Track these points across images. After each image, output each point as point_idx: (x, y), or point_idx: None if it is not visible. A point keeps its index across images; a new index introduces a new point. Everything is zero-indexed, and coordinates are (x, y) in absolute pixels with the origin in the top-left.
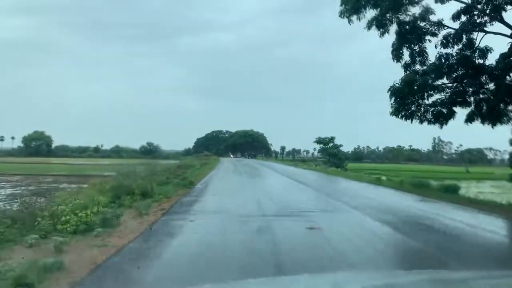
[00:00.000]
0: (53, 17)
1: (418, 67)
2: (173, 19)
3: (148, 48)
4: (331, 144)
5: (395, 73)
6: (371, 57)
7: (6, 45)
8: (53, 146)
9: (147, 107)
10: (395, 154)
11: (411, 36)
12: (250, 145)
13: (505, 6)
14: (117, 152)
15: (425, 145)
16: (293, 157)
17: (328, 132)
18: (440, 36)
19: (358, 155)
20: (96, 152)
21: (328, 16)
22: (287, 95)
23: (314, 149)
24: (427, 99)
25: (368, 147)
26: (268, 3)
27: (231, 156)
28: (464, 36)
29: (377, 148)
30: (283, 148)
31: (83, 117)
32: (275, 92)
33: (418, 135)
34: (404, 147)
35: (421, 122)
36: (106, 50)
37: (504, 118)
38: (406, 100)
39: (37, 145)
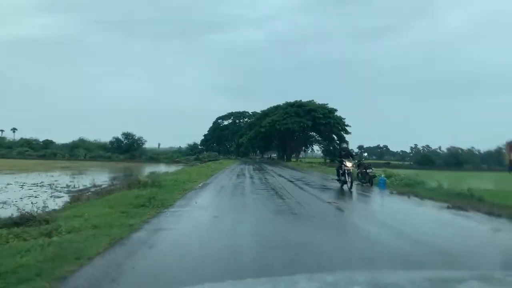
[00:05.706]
0: (80, 15)
1: None
2: (200, 15)
3: (176, 45)
4: None
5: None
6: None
7: (34, 44)
8: None
9: (171, 105)
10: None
11: None
12: (306, 131)
13: None
14: (72, 148)
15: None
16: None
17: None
18: None
19: (456, 159)
20: (37, 148)
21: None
22: (321, 94)
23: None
24: None
25: (427, 146)
26: None
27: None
28: None
29: (439, 147)
30: (360, 148)
31: (105, 113)
32: (308, 90)
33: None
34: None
35: None
36: (133, 47)
37: None
38: None
39: None
